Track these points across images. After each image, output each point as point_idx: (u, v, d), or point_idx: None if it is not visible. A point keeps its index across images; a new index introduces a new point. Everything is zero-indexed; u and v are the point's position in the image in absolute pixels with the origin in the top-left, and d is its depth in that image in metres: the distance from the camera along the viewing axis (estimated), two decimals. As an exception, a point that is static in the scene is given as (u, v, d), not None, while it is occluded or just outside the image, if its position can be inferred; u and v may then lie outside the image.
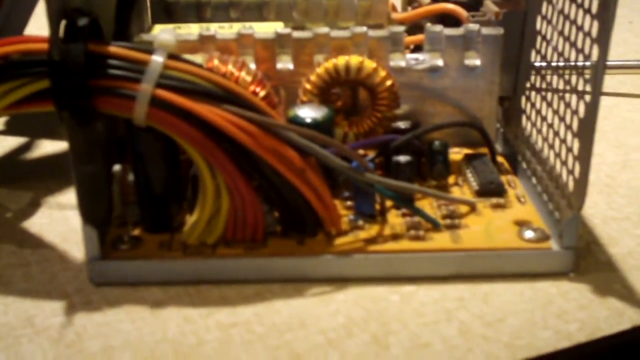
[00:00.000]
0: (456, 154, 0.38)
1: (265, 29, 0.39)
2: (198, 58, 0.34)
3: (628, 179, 0.41)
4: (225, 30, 0.39)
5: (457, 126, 0.38)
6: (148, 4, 0.43)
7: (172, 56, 0.30)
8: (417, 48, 0.41)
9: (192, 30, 0.39)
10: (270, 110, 0.31)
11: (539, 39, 0.37)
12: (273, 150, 0.30)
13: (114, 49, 0.29)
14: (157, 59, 0.29)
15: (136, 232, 0.33)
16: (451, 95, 0.38)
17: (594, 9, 0.30)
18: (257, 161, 0.30)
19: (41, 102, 0.29)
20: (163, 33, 0.30)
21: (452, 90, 0.38)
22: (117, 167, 0.33)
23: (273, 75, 0.37)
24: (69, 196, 0.38)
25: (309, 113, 0.34)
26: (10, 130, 0.46)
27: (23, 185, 0.39)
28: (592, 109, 0.30)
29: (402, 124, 0.37)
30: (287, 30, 0.37)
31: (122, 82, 0.29)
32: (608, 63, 0.51)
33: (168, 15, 0.44)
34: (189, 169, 0.33)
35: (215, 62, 0.34)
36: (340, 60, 0.36)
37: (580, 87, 0.32)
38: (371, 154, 0.36)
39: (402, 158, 0.34)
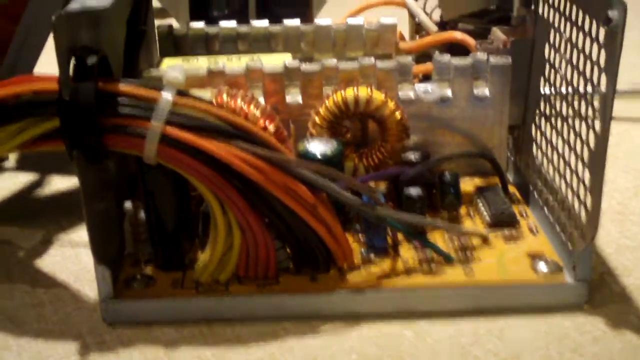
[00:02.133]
0: (467, 184, 0.38)
1: (274, 60, 0.39)
2: (207, 93, 0.35)
3: (640, 206, 0.40)
4: (233, 62, 0.39)
5: (468, 157, 0.38)
6: (157, 37, 0.43)
7: (181, 93, 0.30)
8: (426, 77, 0.41)
9: (200, 63, 0.39)
10: (280, 146, 0.31)
11: (547, 67, 0.37)
12: (284, 187, 0.30)
13: (123, 87, 0.29)
14: (167, 96, 0.29)
15: (148, 270, 0.33)
16: (461, 125, 0.38)
17: (602, 39, 0.30)
18: (267, 197, 0.30)
19: (52, 141, 0.29)
20: (171, 70, 0.30)
21: (462, 120, 0.38)
22: (128, 205, 0.33)
23: (282, 108, 0.37)
24: (81, 233, 0.38)
25: (318, 147, 0.34)
26: (21, 166, 0.46)
27: (35, 223, 0.39)
28: (603, 141, 0.30)
29: (412, 155, 0.37)
30: (296, 63, 0.37)
31: (132, 120, 0.29)
32: (618, 89, 0.51)
33: (176, 48, 0.44)
34: (199, 206, 0.33)
35: (224, 97, 0.34)
36: (349, 93, 0.35)
37: (589, 117, 0.32)
38: (382, 186, 0.36)
39: (413, 191, 0.34)
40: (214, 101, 0.33)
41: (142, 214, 0.33)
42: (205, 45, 0.44)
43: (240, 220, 0.30)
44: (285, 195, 0.30)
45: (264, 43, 0.44)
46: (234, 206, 0.30)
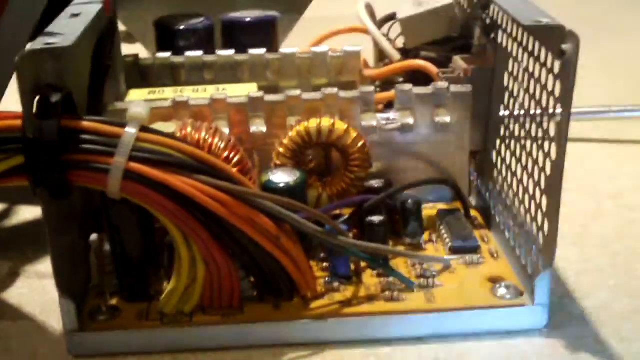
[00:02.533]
0: (430, 209, 0.39)
1: (239, 90, 0.40)
2: (172, 125, 0.35)
3: (600, 228, 0.41)
4: (198, 93, 0.40)
5: (430, 184, 0.39)
6: (123, 68, 0.43)
7: (144, 128, 0.30)
8: (390, 104, 0.42)
9: (166, 94, 0.40)
10: (243, 178, 0.31)
11: (507, 94, 0.38)
12: (247, 219, 0.30)
13: (87, 123, 0.30)
14: (130, 132, 0.30)
15: (114, 301, 0.33)
16: (423, 151, 0.39)
17: (557, 69, 0.31)
18: (231, 230, 0.31)
19: (16, 177, 0.30)
20: (135, 106, 0.31)
21: (424, 147, 0.39)
22: (93, 237, 0.33)
23: (247, 138, 0.37)
24: (47, 264, 0.38)
25: (282, 178, 0.34)
26: None
27: (1, 254, 0.39)
28: (558, 167, 0.31)
29: (375, 183, 0.38)
30: (260, 94, 0.37)
31: (95, 156, 0.29)
32: (580, 110, 0.52)
33: (143, 78, 0.44)
34: (164, 237, 0.33)
35: (189, 129, 0.34)
36: (312, 124, 0.36)
37: (546, 143, 0.32)
38: (347, 212, 0.37)
39: (376, 218, 0.35)
40: (178, 134, 0.34)
41: (107, 246, 0.33)
42: (172, 75, 0.44)
43: (204, 253, 0.31)
44: (248, 228, 0.31)
45: (230, 72, 0.44)
46: (198, 239, 0.31)
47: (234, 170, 0.32)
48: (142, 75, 0.44)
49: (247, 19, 0.46)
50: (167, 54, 0.44)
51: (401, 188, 0.37)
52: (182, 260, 0.31)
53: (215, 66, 0.44)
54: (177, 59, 0.44)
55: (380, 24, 0.47)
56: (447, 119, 0.39)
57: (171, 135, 0.31)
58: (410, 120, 0.39)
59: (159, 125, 0.34)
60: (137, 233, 0.32)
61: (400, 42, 0.46)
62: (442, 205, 0.39)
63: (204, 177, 0.30)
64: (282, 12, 0.49)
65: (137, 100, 0.37)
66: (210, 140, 0.34)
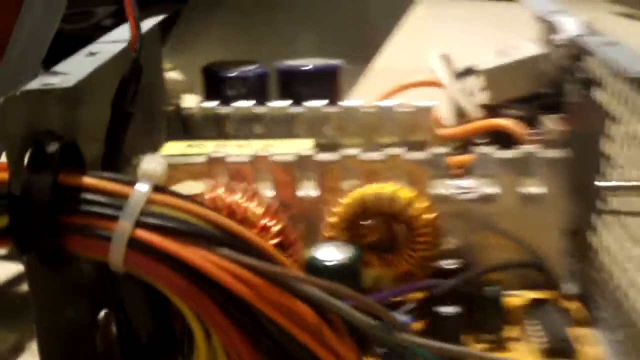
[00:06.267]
0: (516, 297, 0.33)
1: (291, 147, 0.36)
2: (201, 185, 0.31)
3: None
4: (242, 149, 0.35)
5: (516, 267, 0.34)
6: (165, 117, 0.40)
7: (158, 188, 0.25)
8: (467, 170, 0.36)
9: (206, 148, 0.36)
10: (277, 254, 0.26)
11: (610, 162, 0.32)
12: (281, 306, 0.25)
13: (89, 179, 0.25)
14: (140, 191, 0.25)
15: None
16: (507, 227, 0.34)
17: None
18: (260, 318, 0.25)
19: (1, 240, 0.25)
20: (148, 160, 0.26)
21: (509, 222, 0.34)
22: (100, 315, 0.29)
23: (293, 204, 0.33)
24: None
25: (331, 255, 0.30)
26: (11, 256, 0.42)
27: (9, 325, 0.37)
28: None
29: (447, 264, 0.33)
30: (310, 152, 0.33)
31: (96, 220, 0.25)
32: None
33: (185, 130, 0.41)
34: (185, 319, 0.28)
35: (220, 190, 0.29)
36: (369, 190, 0.32)
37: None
38: (412, 300, 0.31)
39: (447, 309, 0.30)
40: (207, 195, 0.29)
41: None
42: (217, 127, 0.41)
43: (226, 345, 0.25)
44: (282, 318, 0.25)
45: (283, 126, 0.41)
46: (218, 329, 0.25)
47: (271, 243, 0.26)
48: (185, 126, 0.41)
49: (305, 67, 0.43)
50: (213, 104, 0.41)
51: (480, 271, 0.32)
52: (199, 351, 0.26)
53: (266, 118, 0.40)
54: (224, 110, 0.41)
55: (458, 76, 0.42)
56: (537, 190, 0.34)
57: (189, 198, 0.26)
58: (492, 190, 0.34)
59: (187, 185, 0.30)
60: (146, 311, 0.28)
61: (481, 98, 0.41)
62: (530, 294, 0.34)
63: (227, 251, 0.25)
64: (347, 61, 0.45)
65: (152, 155, 0.32)
66: (245, 205, 0.29)
